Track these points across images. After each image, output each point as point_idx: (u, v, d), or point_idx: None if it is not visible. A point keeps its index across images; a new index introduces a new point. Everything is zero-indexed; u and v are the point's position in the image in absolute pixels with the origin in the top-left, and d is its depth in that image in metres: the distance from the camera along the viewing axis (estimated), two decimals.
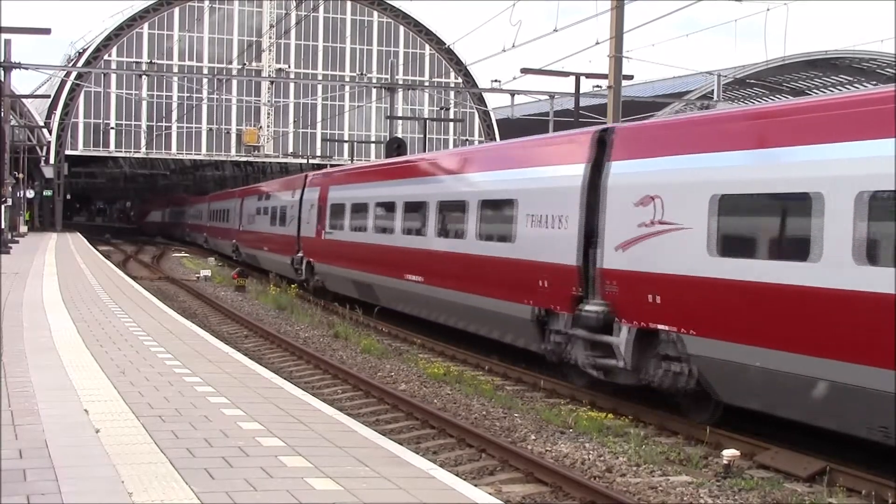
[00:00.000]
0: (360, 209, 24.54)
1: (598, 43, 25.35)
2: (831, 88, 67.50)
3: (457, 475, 8.03)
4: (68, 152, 74.32)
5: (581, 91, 38.33)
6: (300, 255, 29.95)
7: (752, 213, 11.15)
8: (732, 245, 11.24)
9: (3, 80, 41.46)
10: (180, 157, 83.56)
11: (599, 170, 13.79)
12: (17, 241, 45.46)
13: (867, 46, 61.13)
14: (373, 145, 75.38)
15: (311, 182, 30.40)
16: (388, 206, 22.54)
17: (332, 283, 27.33)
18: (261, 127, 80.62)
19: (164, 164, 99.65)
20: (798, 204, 10.33)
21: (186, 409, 9.16)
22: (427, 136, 46.38)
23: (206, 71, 71.37)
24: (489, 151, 20.50)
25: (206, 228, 59.20)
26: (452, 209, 18.55)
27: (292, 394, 10.63)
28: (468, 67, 76.90)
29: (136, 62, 74.15)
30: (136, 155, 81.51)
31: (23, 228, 57.11)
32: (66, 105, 73.26)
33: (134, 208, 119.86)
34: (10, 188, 47.22)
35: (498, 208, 16.68)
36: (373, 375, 16.22)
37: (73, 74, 68.30)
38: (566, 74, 38.71)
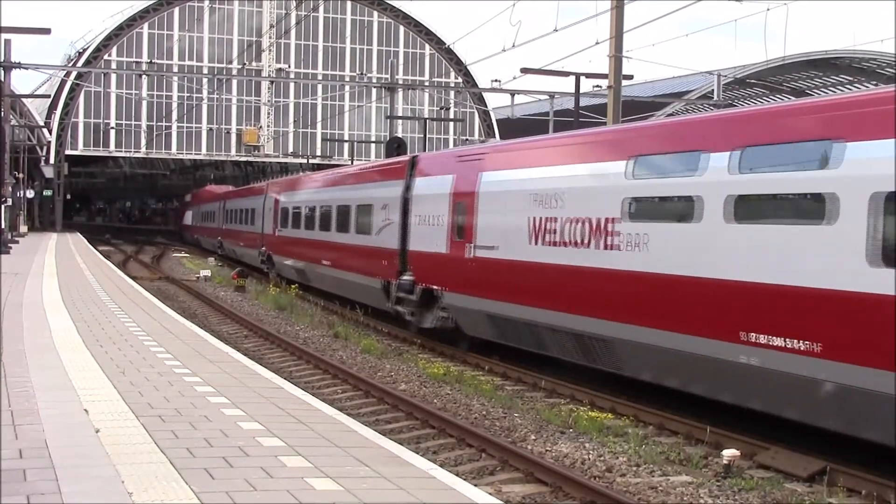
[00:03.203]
0: None
1: (598, 43, 25.37)
2: (831, 88, 67.49)
3: (457, 475, 8.03)
4: (68, 152, 74.26)
5: (581, 91, 38.31)
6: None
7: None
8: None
9: (3, 80, 41.42)
10: (180, 156, 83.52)
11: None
12: (17, 242, 45.45)
13: (867, 46, 61.19)
14: (373, 145, 75.39)
15: None
16: None
17: None
18: (261, 127, 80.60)
19: (164, 164, 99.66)
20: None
21: (186, 409, 9.16)
22: (427, 135, 46.34)
23: (206, 71, 71.32)
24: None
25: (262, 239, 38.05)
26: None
27: (292, 394, 10.63)
28: (468, 67, 76.86)
29: (136, 62, 74.10)
30: (136, 155, 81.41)
31: (23, 228, 57.09)
32: (66, 105, 73.20)
33: (148, 207, 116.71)
34: (10, 188, 47.18)
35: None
36: (373, 375, 16.23)
37: (73, 74, 68.28)
38: (566, 74, 38.68)
